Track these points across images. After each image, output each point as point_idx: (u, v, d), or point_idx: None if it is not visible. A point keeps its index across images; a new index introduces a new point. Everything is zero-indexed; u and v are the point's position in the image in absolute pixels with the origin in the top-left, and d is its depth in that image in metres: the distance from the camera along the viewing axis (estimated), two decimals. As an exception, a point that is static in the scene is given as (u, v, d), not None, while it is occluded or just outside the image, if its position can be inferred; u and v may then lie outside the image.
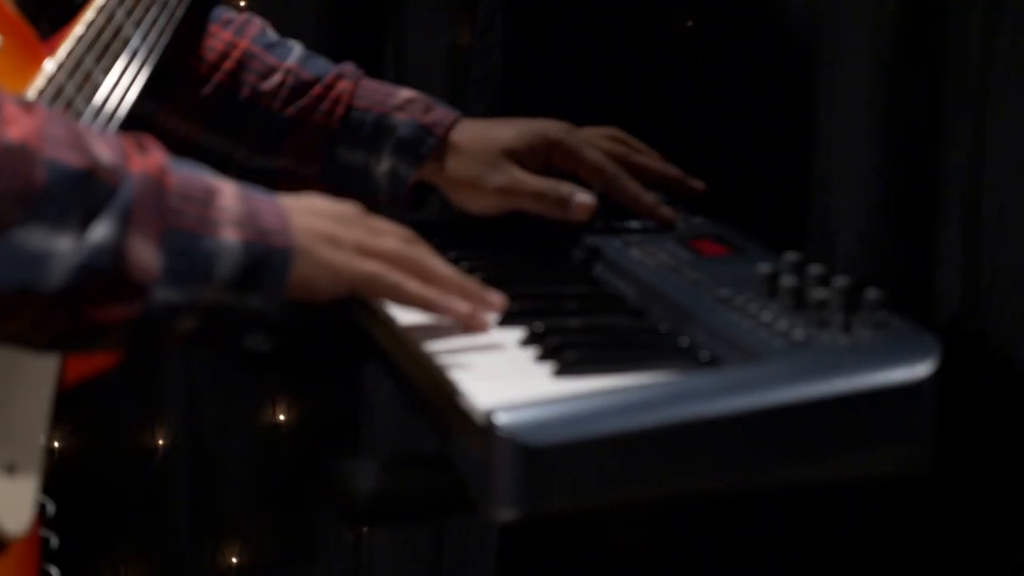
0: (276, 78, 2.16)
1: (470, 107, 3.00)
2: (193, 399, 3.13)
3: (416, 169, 2.12)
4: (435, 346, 1.67)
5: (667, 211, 2.07)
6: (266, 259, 1.53)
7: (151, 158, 1.49)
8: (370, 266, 1.63)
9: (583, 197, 2.05)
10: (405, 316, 1.74)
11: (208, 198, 1.52)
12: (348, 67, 2.21)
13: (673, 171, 2.18)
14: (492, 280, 1.86)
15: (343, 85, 2.17)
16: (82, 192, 1.42)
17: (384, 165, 2.13)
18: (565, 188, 2.06)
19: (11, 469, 1.64)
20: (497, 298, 1.70)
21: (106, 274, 1.43)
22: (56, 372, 1.73)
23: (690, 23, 2.80)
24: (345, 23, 3.03)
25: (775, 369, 1.51)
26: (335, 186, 2.13)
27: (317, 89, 2.16)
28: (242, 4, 2.98)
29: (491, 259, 2.00)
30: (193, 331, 1.53)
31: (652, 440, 1.44)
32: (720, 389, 1.47)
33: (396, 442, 3.16)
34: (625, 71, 2.85)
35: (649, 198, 2.09)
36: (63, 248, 1.41)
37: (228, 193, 1.55)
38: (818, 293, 1.63)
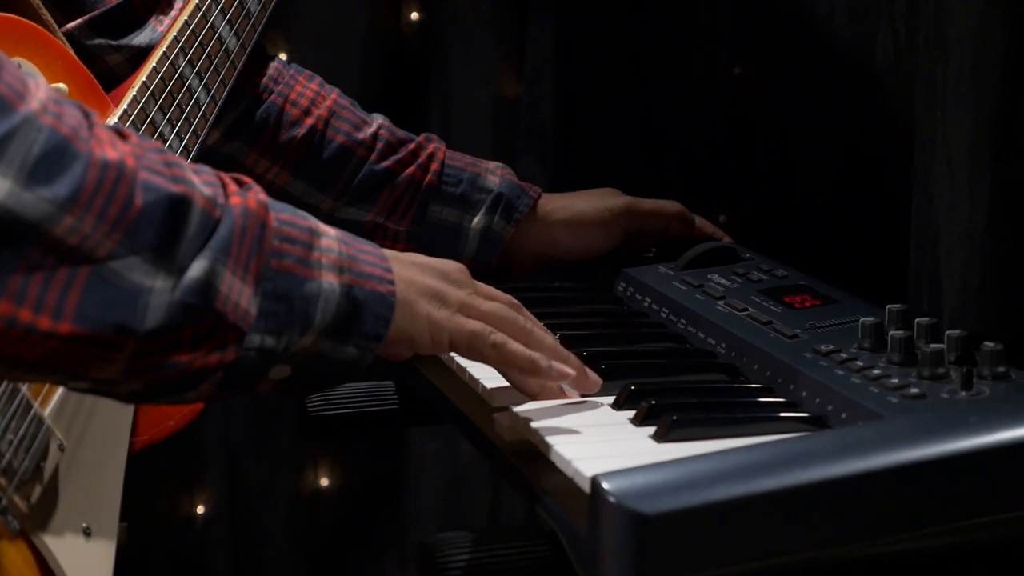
0: (370, 130, 2.15)
1: (519, 159, 2.94)
2: (233, 464, 3.04)
3: (513, 227, 2.11)
4: (526, 408, 1.58)
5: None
6: (367, 306, 1.44)
7: (252, 194, 1.40)
8: (473, 324, 1.54)
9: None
10: (490, 379, 1.66)
11: (310, 240, 1.42)
12: (431, 135, 2.22)
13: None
14: (574, 338, 1.77)
15: (435, 145, 2.18)
16: (181, 221, 1.31)
17: (479, 222, 2.11)
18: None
19: (89, 533, 1.57)
20: (596, 377, 1.61)
21: (203, 313, 1.33)
22: (129, 435, 1.66)
23: (737, 70, 2.74)
24: (390, 74, 2.96)
25: (897, 426, 1.42)
26: (420, 245, 2.09)
27: (411, 145, 2.16)
28: (283, 56, 2.91)
29: (572, 317, 1.91)
30: (286, 380, 1.43)
31: (772, 505, 1.34)
32: (841, 448, 1.37)
33: (442, 508, 3.08)
34: (681, 119, 2.79)
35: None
36: (160, 284, 1.29)
37: (330, 236, 1.46)
38: (931, 346, 1.54)
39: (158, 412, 1.73)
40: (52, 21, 1.59)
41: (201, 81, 1.73)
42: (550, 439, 1.48)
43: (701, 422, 1.50)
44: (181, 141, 1.75)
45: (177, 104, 1.72)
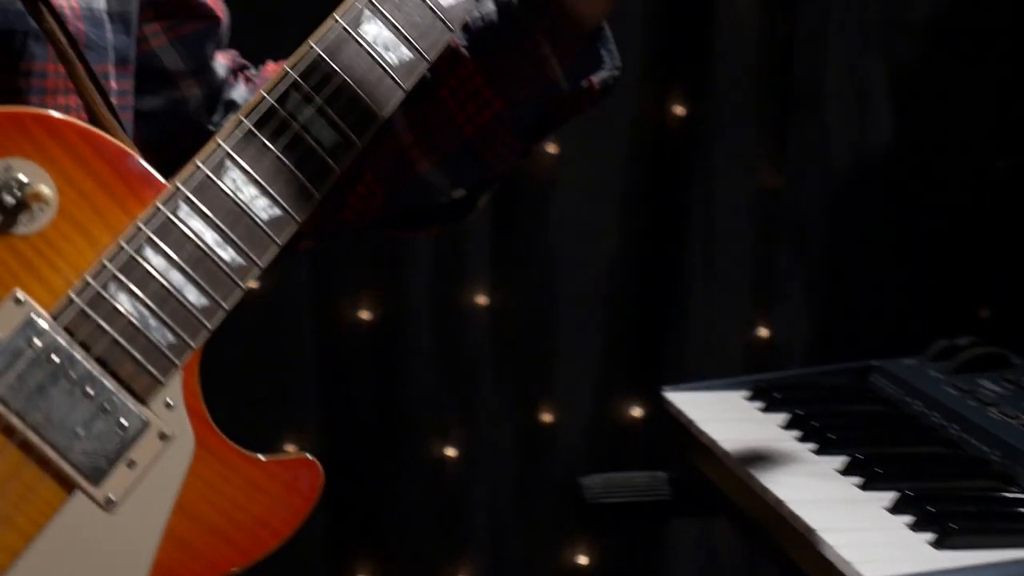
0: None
1: (779, 250, 3.00)
2: (497, 538, 3.14)
3: None
4: (802, 509, 1.65)
5: None
6: None
7: None
8: None
9: None
10: (764, 474, 1.73)
11: None
12: None
13: None
14: (842, 439, 1.83)
15: None
16: None
17: None
18: None
19: None
20: None
21: None
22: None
23: (1001, 163, 2.77)
24: (654, 164, 3.05)
25: None
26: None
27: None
28: (553, 151, 3.03)
29: (843, 418, 1.98)
30: None
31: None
32: None
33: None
34: (940, 210, 2.82)
35: None
36: None
37: None
38: None
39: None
40: (95, 93, 1.49)
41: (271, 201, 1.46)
42: (827, 538, 1.54)
43: (981, 531, 1.55)
44: None
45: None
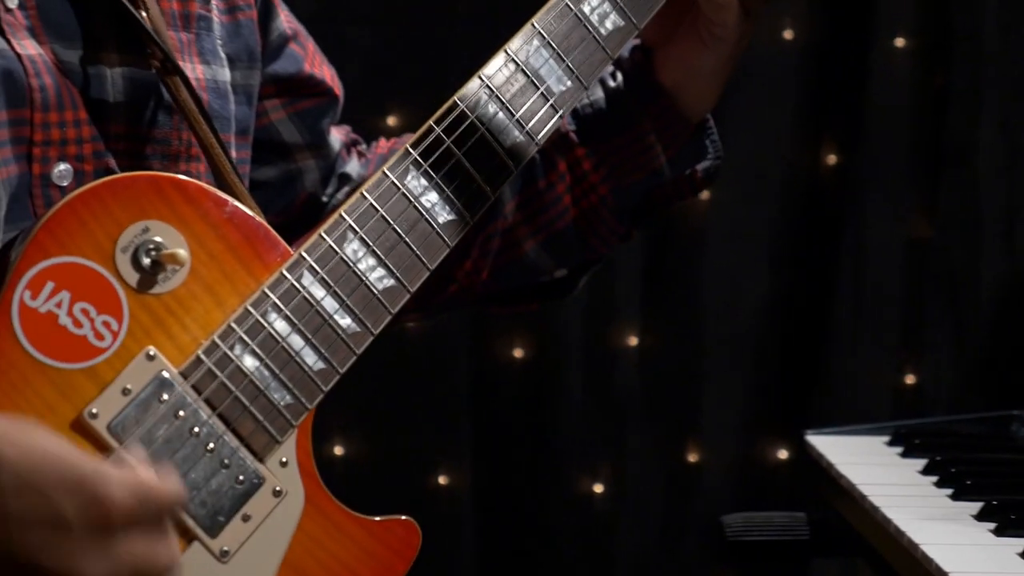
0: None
1: (927, 300, 3.04)
2: (642, 572, 3.19)
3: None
4: (936, 552, 1.69)
5: None
6: None
7: None
8: None
9: None
10: (900, 517, 1.77)
11: None
12: None
13: None
14: (979, 485, 1.86)
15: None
16: None
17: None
18: None
19: None
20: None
21: None
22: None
23: None
24: (806, 212, 3.10)
25: None
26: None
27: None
28: (704, 197, 3.09)
29: (977, 465, 2.01)
30: None
31: None
32: None
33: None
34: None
35: None
36: None
37: None
38: None
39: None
40: (225, 161, 1.54)
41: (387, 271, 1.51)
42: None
43: None
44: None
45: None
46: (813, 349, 3.11)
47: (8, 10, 1.44)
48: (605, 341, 3.13)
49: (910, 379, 3.09)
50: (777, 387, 3.12)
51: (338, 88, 1.76)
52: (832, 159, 3.08)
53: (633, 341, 3.12)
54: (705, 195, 3.08)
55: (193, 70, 1.56)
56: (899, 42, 3.05)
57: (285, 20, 1.72)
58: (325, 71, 1.75)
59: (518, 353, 3.12)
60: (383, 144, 1.82)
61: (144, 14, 1.48)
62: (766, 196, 3.09)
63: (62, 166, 1.45)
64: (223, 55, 1.61)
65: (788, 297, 3.11)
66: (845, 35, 3.06)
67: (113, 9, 1.46)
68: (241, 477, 1.41)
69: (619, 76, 1.72)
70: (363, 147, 1.82)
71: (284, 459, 1.44)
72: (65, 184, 1.44)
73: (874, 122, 3.07)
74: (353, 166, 1.78)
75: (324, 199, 1.75)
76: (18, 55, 1.42)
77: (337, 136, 1.77)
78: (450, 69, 3.02)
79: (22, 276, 1.36)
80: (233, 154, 1.61)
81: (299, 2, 2.97)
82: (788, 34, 3.05)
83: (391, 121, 3.05)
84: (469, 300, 1.78)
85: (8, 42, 1.42)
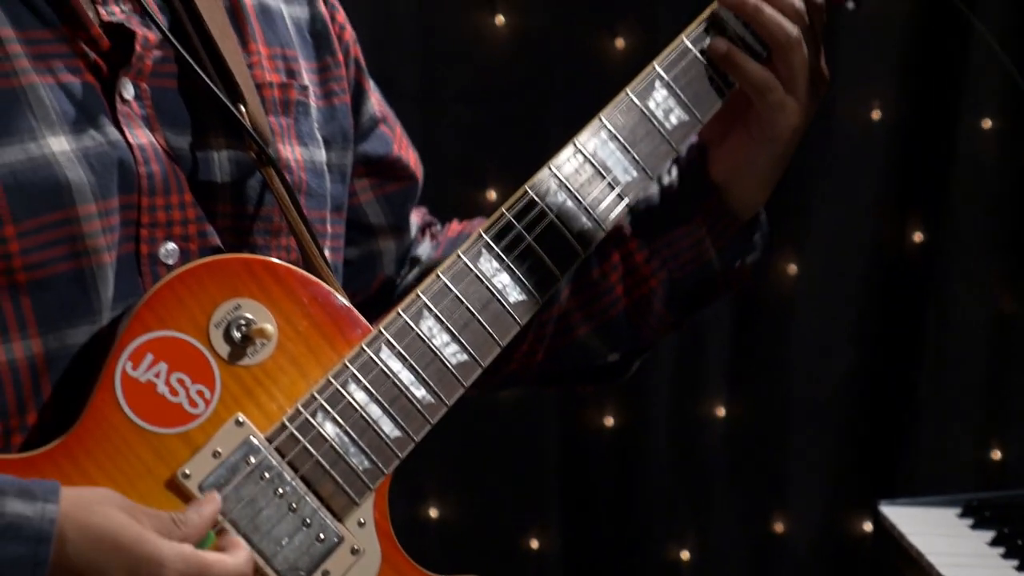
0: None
1: (1012, 377, 3.07)
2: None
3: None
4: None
5: None
6: None
7: None
8: None
9: None
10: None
11: None
12: None
13: None
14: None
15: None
16: None
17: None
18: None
19: None
20: None
21: None
22: None
23: None
24: (890, 287, 3.16)
25: None
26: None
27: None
28: (791, 270, 3.16)
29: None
30: None
31: None
32: None
33: None
34: None
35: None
36: None
37: None
38: None
39: None
40: (312, 244, 1.61)
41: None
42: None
43: None
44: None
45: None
46: (898, 422, 3.16)
47: (124, 101, 1.54)
48: (692, 410, 3.20)
49: (995, 454, 3.13)
50: (862, 460, 3.17)
51: (420, 172, 1.85)
52: (918, 236, 3.14)
53: (720, 411, 3.19)
54: (793, 268, 3.15)
55: (292, 152, 1.65)
56: (985, 123, 3.10)
57: (376, 103, 1.81)
58: (411, 155, 1.85)
59: (608, 421, 3.20)
60: (454, 227, 1.90)
61: (243, 108, 1.59)
62: (853, 271, 3.15)
63: (169, 245, 1.55)
64: (319, 137, 1.70)
65: (873, 370, 3.17)
66: (932, 116, 3.11)
67: (217, 102, 1.57)
68: (321, 536, 1.51)
69: (674, 171, 1.79)
70: (437, 227, 1.90)
71: (362, 520, 1.53)
72: (171, 262, 1.55)
73: (959, 200, 3.12)
74: (424, 248, 1.86)
75: (397, 280, 1.84)
76: (130, 145, 1.53)
77: (415, 219, 1.86)
78: (546, 144, 3.11)
79: (125, 348, 1.48)
80: (329, 229, 1.70)
81: (405, 80, 3.14)
82: (876, 114, 3.12)
83: (491, 195, 3.16)
84: (526, 379, 1.86)
85: (122, 132, 1.53)
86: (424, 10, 3.11)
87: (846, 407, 3.17)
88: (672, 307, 1.81)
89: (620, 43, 3.11)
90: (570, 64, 3.11)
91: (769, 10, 1.70)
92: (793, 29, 1.69)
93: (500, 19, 3.13)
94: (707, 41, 1.71)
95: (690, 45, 1.70)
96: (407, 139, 1.85)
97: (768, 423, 3.18)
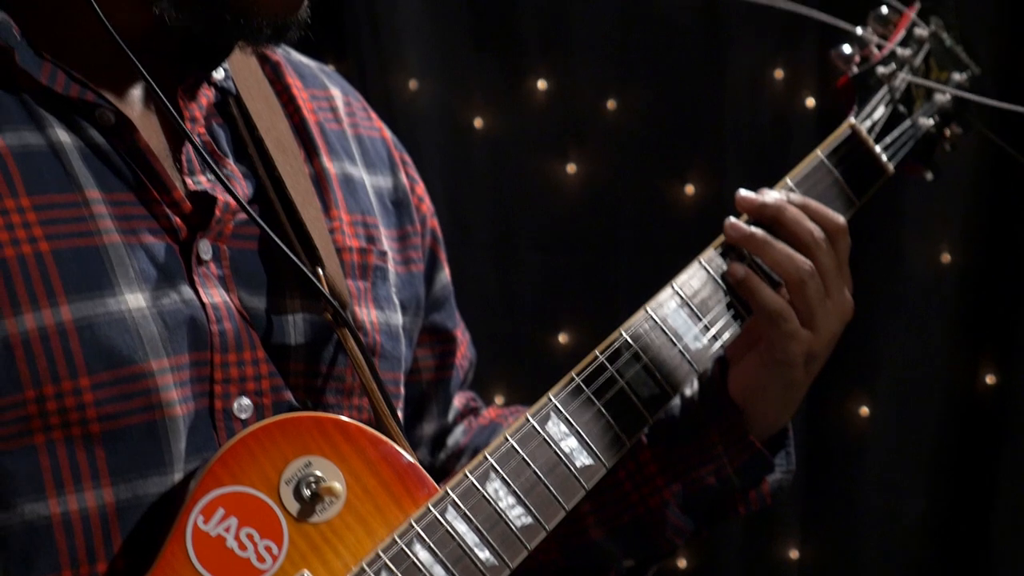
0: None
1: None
2: None
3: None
4: None
5: None
6: None
7: None
8: None
9: None
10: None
11: None
12: None
13: None
14: None
15: None
16: None
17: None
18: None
19: None
20: None
21: None
22: None
23: None
24: (965, 427, 3.14)
25: None
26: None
27: None
28: (865, 412, 3.16)
29: None
30: None
31: None
32: None
33: None
34: None
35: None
36: None
37: None
38: None
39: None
40: (384, 405, 1.65)
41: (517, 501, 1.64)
42: None
43: None
44: None
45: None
46: (973, 568, 3.14)
47: (202, 262, 1.60)
48: (766, 554, 3.19)
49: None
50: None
51: (473, 356, 1.92)
52: (990, 379, 3.14)
53: (794, 554, 3.18)
54: (864, 411, 3.16)
55: (368, 315, 1.71)
56: (1056, 266, 3.12)
57: (448, 275, 1.87)
58: (468, 337, 1.91)
59: (681, 563, 3.20)
60: (487, 414, 1.95)
61: (320, 271, 1.65)
62: (925, 414, 3.15)
63: (243, 400, 1.60)
64: (396, 301, 1.75)
65: (947, 513, 3.15)
66: (1001, 258, 3.13)
67: (295, 266, 1.62)
68: None
69: (695, 384, 1.81)
70: (480, 408, 1.95)
71: None
72: (245, 417, 1.60)
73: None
74: (456, 434, 1.91)
75: (430, 459, 1.89)
76: (203, 303, 1.58)
77: (456, 404, 1.91)
78: (614, 293, 3.17)
79: (198, 502, 1.52)
80: (402, 391, 1.76)
81: (482, 229, 3.18)
82: (946, 257, 3.13)
83: (562, 339, 3.21)
84: (546, 573, 1.88)
85: (196, 292, 1.59)
86: (496, 160, 3.18)
87: (919, 551, 3.15)
88: (689, 517, 1.82)
89: (690, 190, 3.16)
90: (640, 211, 3.17)
91: (779, 245, 1.71)
92: (805, 263, 1.70)
93: (572, 167, 3.19)
94: (725, 265, 1.73)
95: (709, 269, 1.73)
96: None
97: (840, 567, 3.17)
